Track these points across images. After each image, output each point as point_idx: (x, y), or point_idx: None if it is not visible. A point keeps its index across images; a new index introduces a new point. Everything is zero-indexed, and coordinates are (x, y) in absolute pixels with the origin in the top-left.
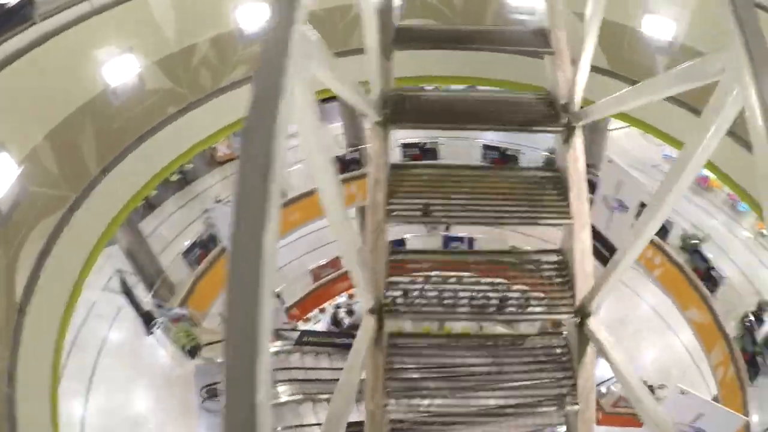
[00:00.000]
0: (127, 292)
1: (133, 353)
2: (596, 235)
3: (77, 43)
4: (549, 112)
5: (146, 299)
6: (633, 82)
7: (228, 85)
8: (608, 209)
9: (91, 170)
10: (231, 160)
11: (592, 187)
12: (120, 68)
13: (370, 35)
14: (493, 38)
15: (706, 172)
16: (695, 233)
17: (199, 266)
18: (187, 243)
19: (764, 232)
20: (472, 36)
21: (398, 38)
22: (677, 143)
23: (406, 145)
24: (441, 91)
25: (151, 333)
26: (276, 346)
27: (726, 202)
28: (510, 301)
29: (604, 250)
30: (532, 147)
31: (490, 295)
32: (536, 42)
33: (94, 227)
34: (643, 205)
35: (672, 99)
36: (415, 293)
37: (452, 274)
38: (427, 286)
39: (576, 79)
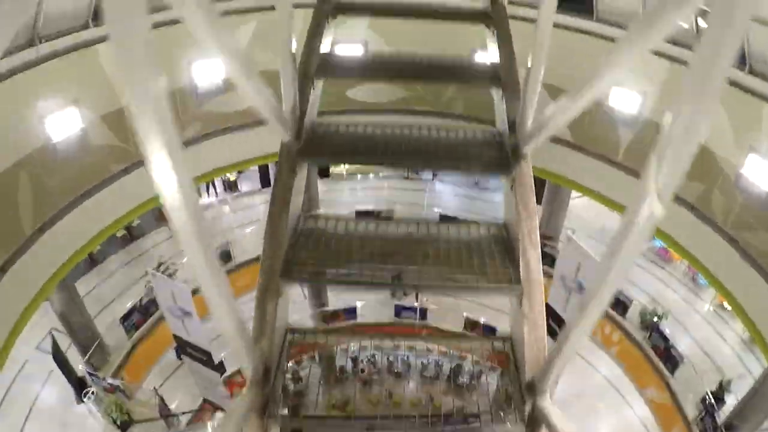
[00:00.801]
0: (59, 355)
1: (62, 421)
2: (554, 316)
3: (18, 92)
4: (495, 153)
5: (79, 365)
6: (596, 156)
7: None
8: (566, 290)
9: (25, 229)
10: None
11: (551, 260)
12: (63, 121)
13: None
14: (440, 69)
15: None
16: (655, 309)
17: (137, 333)
18: (129, 305)
19: (725, 305)
20: (414, 64)
21: (322, 68)
22: None
23: (360, 213)
24: (374, 126)
25: (83, 401)
26: None
27: (686, 274)
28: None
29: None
30: (491, 216)
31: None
32: (485, 75)
33: (25, 290)
34: None
35: (630, 170)
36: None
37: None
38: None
39: (524, 104)
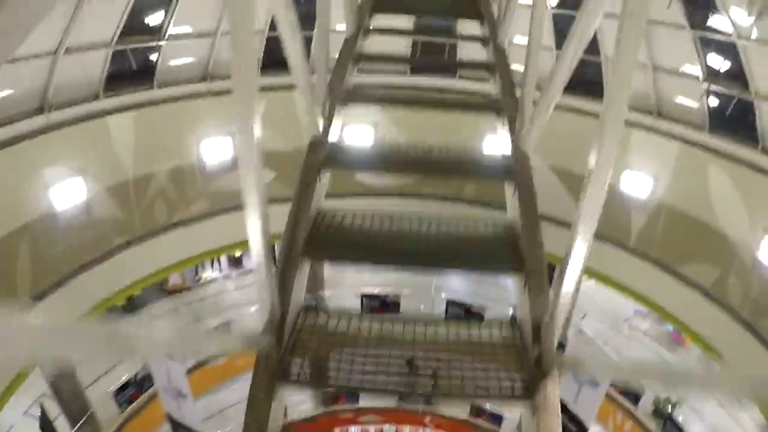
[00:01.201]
0: (47, 426)
1: None
2: (563, 408)
3: (25, 159)
4: (506, 250)
5: None
6: (608, 240)
7: (184, 219)
8: (577, 382)
9: (20, 297)
10: (183, 290)
11: (560, 346)
12: (67, 191)
13: None
14: (450, 164)
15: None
16: (669, 395)
17: (129, 407)
18: (124, 377)
19: None
20: (425, 158)
21: (330, 159)
22: (646, 300)
23: (366, 296)
24: (383, 221)
25: None
26: None
27: (700, 358)
28: None
29: (571, 424)
30: (499, 302)
31: None
32: (498, 170)
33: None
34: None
35: (644, 255)
36: None
37: None
38: None
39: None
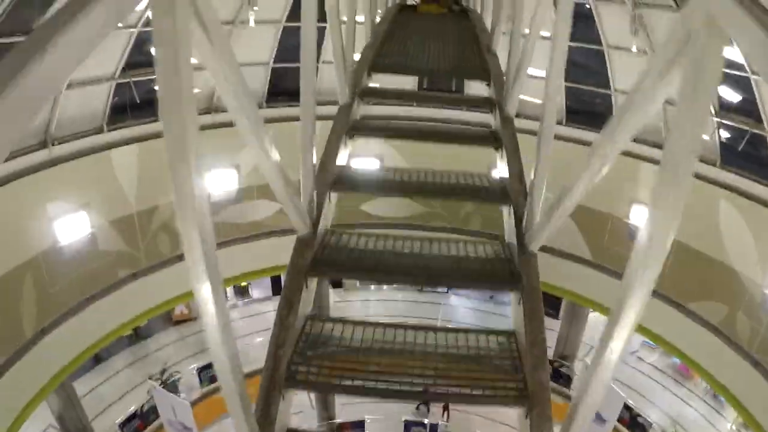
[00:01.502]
0: None
1: None
2: None
3: (29, 193)
4: (504, 267)
5: None
6: (616, 275)
7: None
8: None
9: (26, 331)
10: (188, 320)
11: (567, 379)
12: (72, 225)
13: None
14: (451, 188)
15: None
16: (675, 430)
17: None
18: (131, 409)
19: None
20: (428, 183)
21: (338, 181)
22: (653, 335)
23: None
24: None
25: None
26: None
27: (707, 391)
28: None
29: None
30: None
31: None
32: (496, 193)
33: (24, 391)
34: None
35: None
36: None
37: None
38: None
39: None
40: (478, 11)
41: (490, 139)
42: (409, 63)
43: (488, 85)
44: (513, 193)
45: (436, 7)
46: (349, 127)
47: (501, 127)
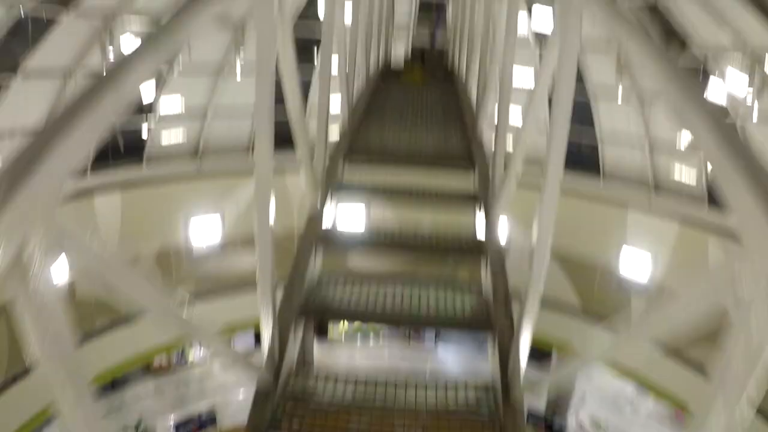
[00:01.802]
0: None
1: None
2: None
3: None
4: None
5: None
6: (606, 326)
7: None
8: None
9: None
10: (166, 369)
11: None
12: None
13: None
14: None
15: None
16: None
17: None
18: None
19: None
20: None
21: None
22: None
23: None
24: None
25: None
26: None
27: None
28: None
29: None
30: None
31: None
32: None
33: None
34: None
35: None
36: None
37: None
38: None
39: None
40: (463, 79)
41: (474, 251)
42: (387, 155)
43: (473, 175)
44: (498, 324)
45: (421, 76)
46: (320, 241)
47: (485, 239)
